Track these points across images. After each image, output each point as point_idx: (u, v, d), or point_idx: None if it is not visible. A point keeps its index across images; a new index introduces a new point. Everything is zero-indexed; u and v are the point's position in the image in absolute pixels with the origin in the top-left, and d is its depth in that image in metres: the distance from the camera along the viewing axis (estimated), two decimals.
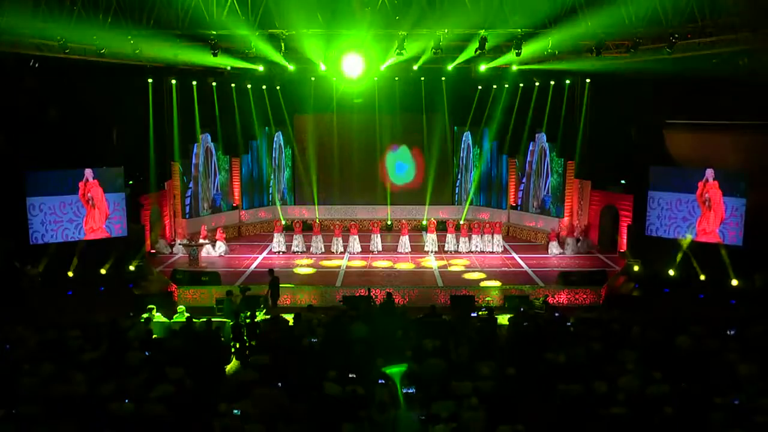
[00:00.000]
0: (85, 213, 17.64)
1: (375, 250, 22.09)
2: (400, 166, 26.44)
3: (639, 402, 9.07)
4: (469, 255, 21.62)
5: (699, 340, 11.72)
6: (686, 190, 17.99)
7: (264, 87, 24.55)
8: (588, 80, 21.63)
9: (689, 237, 17.02)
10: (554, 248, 21.84)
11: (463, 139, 26.72)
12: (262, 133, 26.06)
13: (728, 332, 12.51)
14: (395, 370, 9.84)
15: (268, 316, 14.15)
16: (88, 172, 17.61)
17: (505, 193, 25.76)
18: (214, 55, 16.20)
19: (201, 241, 21.40)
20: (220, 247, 21.88)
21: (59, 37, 14.39)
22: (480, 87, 24.67)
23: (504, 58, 18.49)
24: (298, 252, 21.94)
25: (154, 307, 14.18)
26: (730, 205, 17.21)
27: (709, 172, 17.26)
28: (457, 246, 22.10)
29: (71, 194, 17.82)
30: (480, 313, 14.31)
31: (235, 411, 8.75)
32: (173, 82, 21.84)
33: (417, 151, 26.32)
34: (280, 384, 9.70)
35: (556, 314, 14.20)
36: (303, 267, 20.20)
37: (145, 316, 13.75)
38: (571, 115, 22.75)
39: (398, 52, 16.38)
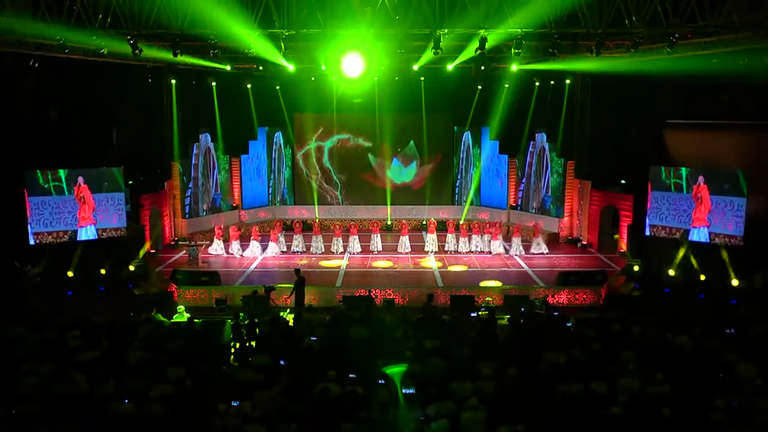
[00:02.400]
0: (78, 207, 18.55)
1: (375, 250, 22.09)
2: (400, 166, 26.47)
3: (639, 402, 9.07)
4: (468, 255, 21.61)
5: (699, 340, 11.72)
6: (685, 190, 18.18)
7: (264, 87, 24.56)
8: (588, 80, 21.62)
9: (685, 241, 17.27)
10: (497, 247, 21.76)
11: (463, 139, 26.73)
12: (262, 133, 26.08)
13: (728, 331, 12.53)
14: (395, 370, 9.84)
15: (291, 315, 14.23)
16: (80, 179, 18.46)
17: (505, 193, 25.77)
18: (214, 54, 16.20)
19: (200, 242, 21.42)
20: (272, 248, 21.62)
21: (59, 37, 14.39)
22: (480, 87, 24.67)
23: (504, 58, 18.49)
24: (298, 252, 21.93)
25: (154, 307, 14.18)
26: (729, 203, 17.34)
27: (701, 178, 17.87)
28: (457, 246, 22.10)
29: (70, 195, 18.31)
30: (480, 313, 14.31)
31: (234, 403, 8.77)
32: (173, 82, 21.84)
33: (417, 151, 26.38)
34: (280, 384, 9.70)
35: (555, 313, 14.21)
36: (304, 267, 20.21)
37: (144, 316, 13.75)
38: (571, 115, 22.76)
39: (399, 51, 16.35)
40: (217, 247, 21.74)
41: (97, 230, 18.71)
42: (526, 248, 21.84)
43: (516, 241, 21.84)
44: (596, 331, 12.47)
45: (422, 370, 10.25)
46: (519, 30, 15.12)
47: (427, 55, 17.80)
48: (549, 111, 23.29)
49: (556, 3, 14.39)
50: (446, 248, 22.07)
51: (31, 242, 17.70)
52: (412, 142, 26.26)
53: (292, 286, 16.13)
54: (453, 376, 9.90)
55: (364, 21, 15.10)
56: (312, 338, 12.07)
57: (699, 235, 17.90)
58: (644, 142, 20.39)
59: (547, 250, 21.72)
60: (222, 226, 22.26)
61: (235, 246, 21.44)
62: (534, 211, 24.79)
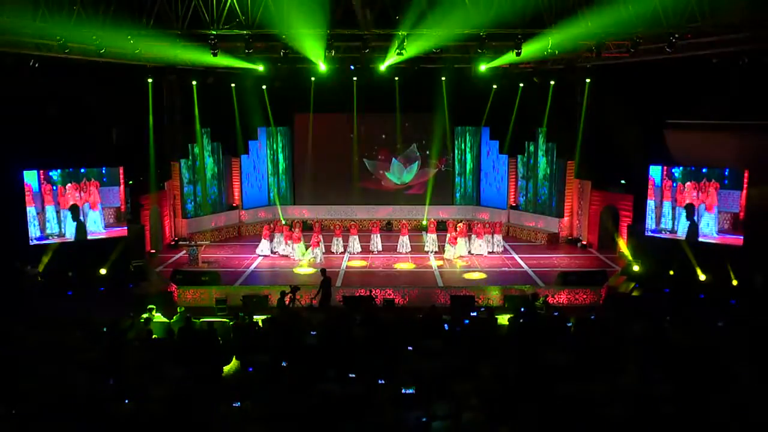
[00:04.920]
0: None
1: (375, 250, 22.09)
2: (401, 167, 26.45)
3: (639, 402, 9.07)
4: (469, 255, 21.60)
5: (698, 339, 11.73)
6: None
7: (264, 87, 24.56)
8: (588, 80, 21.64)
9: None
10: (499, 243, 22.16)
11: (463, 138, 26.73)
12: (262, 132, 26.08)
13: (719, 324, 12.59)
14: (395, 371, 9.84)
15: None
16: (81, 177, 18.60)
17: (505, 193, 25.77)
18: (214, 55, 16.20)
19: (200, 242, 21.42)
20: (316, 254, 20.97)
21: (59, 37, 14.39)
22: (480, 87, 24.65)
23: (504, 58, 18.50)
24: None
25: (154, 307, 14.18)
26: (729, 193, 17.38)
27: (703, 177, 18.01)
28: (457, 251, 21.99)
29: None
30: (480, 313, 14.32)
31: (236, 404, 8.77)
32: (173, 82, 21.82)
33: (417, 151, 26.39)
34: (279, 384, 9.71)
35: (555, 314, 14.21)
36: (303, 267, 20.21)
37: (144, 316, 13.75)
38: (571, 115, 22.75)
39: (398, 52, 16.40)
40: (264, 248, 21.59)
41: (102, 208, 18.64)
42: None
43: (497, 238, 22.31)
44: (596, 331, 12.47)
45: (422, 370, 10.25)
46: (519, 30, 15.16)
47: (428, 55, 17.84)
48: (549, 111, 23.30)
49: (556, 3, 14.43)
50: (445, 255, 21.90)
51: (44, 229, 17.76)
52: (414, 144, 26.25)
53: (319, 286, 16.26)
54: (453, 376, 9.89)
55: (364, 21, 15.13)
56: (312, 333, 12.10)
57: (707, 217, 17.87)
58: (644, 142, 20.38)
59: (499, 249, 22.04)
60: (270, 226, 22.23)
61: (284, 246, 21.24)
62: (534, 211, 24.81)
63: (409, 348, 11.37)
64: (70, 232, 18.29)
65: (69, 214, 18.26)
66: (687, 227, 18.19)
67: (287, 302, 15.28)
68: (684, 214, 18.19)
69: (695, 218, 18.04)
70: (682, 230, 18.28)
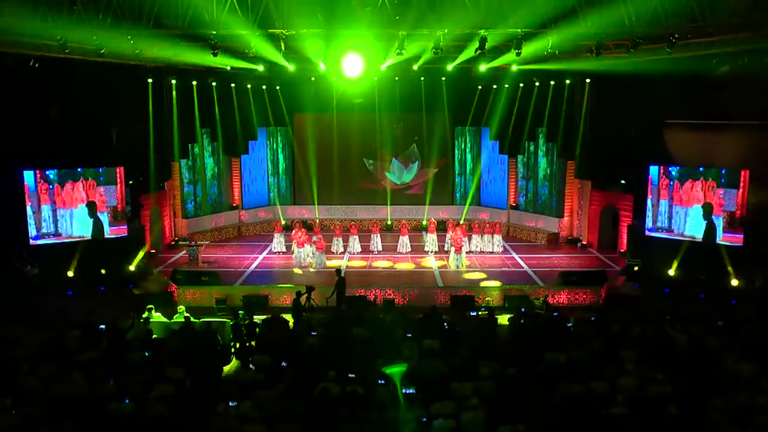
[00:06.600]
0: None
1: (375, 250, 22.09)
2: (400, 166, 26.44)
3: (639, 402, 9.08)
4: (469, 255, 21.59)
5: (699, 339, 11.73)
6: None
7: (264, 87, 24.57)
8: (588, 80, 21.63)
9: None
10: (498, 243, 22.24)
11: (463, 138, 26.73)
12: (262, 132, 26.08)
13: (718, 324, 12.59)
14: (395, 370, 9.84)
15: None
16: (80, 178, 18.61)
17: (505, 193, 25.77)
18: (214, 55, 16.18)
19: (200, 242, 21.41)
20: (318, 258, 20.27)
21: (59, 37, 14.38)
22: (480, 87, 24.67)
23: (504, 58, 18.50)
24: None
25: (154, 307, 14.17)
26: (727, 191, 17.41)
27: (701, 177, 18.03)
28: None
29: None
30: (480, 313, 14.31)
31: (232, 403, 8.77)
32: (173, 82, 21.84)
33: (419, 152, 26.38)
34: (280, 384, 9.71)
35: (555, 314, 14.20)
36: (303, 267, 20.21)
37: (145, 316, 13.74)
38: (571, 115, 22.75)
39: (398, 52, 16.38)
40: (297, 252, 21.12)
41: (107, 208, 18.71)
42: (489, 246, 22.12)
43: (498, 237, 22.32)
44: (596, 331, 12.48)
45: (422, 370, 10.25)
46: (519, 30, 15.13)
47: (427, 55, 17.82)
48: (549, 111, 23.30)
49: (556, 3, 14.41)
50: (446, 248, 21.96)
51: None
52: (414, 145, 26.22)
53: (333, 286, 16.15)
54: (453, 376, 9.90)
55: (364, 21, 15.10)
56: (312, 333, 12.10)
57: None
58: (644, 142, 20.38)
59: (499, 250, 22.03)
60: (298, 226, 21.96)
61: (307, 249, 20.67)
62: (534, 211, 24.81)
63: (409, 347, 11.38)
64: (83, 230, 18.43)
65: (86, 211, 18.44)
66: (704, 227, 17.94)
67: (303, 302, 15.25)
68: (701, 213, 18.04)
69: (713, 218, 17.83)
70: (694, 230, 18.20)
